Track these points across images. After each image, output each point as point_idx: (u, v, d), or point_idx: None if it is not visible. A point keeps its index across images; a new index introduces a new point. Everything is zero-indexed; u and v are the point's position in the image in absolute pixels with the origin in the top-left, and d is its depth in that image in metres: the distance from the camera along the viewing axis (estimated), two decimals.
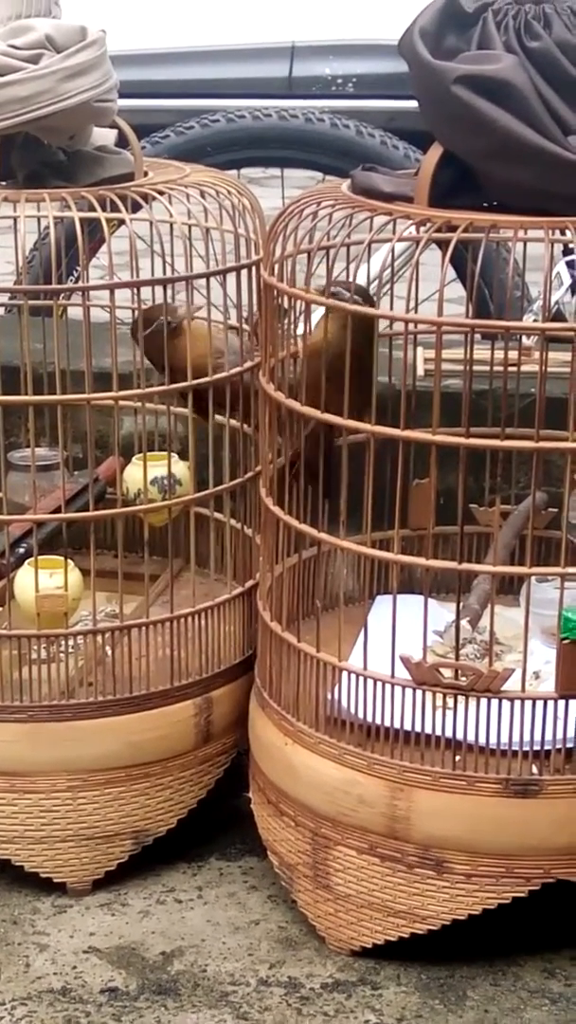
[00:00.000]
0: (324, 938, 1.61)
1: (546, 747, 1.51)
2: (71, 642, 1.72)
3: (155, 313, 1.70)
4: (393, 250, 1.53)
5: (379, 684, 1.53)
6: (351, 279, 1.54)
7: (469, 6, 1.51)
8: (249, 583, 1.77)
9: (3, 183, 1.72)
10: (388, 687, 1.53)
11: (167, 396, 1.69)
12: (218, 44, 3.44)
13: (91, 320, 1.62)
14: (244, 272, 1.72)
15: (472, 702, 1.51)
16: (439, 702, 1.52)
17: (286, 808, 1.61)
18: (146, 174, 1.76)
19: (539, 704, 1.50)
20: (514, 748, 1.51)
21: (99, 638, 1.70)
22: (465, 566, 1.53)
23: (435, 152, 1.52)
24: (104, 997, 1.54)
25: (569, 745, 1.52)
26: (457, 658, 1.52)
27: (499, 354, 1.78)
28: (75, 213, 1.61)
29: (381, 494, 1.53)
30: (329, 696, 1.58)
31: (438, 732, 1.52)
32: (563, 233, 1.48)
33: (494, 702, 1.50)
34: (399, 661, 1.51)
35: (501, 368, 1.74)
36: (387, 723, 1.54)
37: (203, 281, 1.69)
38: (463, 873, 1.52)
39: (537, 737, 1.51)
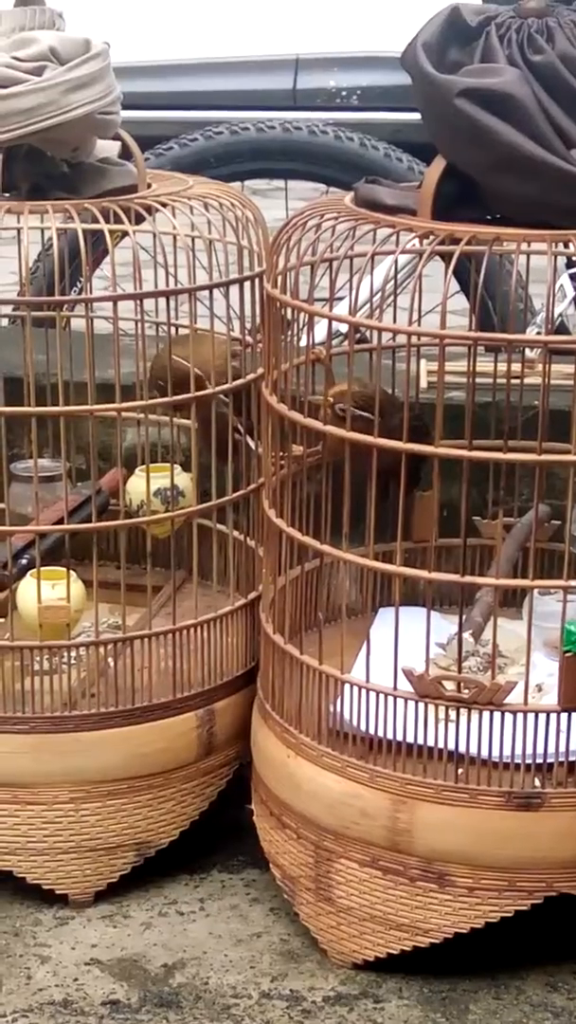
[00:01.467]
0: (326, 951, 1.61)
1: (549, 760, 1.51)
2: (73, 653, 1.72)
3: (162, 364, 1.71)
4: (396, 262, 1.53)
5: (382, 697, 1.53)
6: (354, 291, 1.54)
7: (472, 20, 1.52)
8: (252, 595, 1.77)
9: (6, 195, 1.72)
10: (391, 700, 1.52)
11: (170, 408, 1.69)
12: (222, 56, 3.44)
13: (94, 331, 1.62)
14: (247, 284, 1.72)
15: (475, 715, 1.50)
16: (442, 715, 1.52)
17: (288, 820, 1.61)
18: (149, 186, 1.77)
19: (542, 717, 1.50)
20: (517, 761, 1.50)
21: (101, 649, 1.70)
22: (468, 579, 1.53)
23: (438, 165, 1.52)
24: (105, 1009, 1.54)
25: (572, 758, 1.52)
26: (460, 671, 1.52)
27: (502, 366, 1.78)
28: (78, 225, 1.61)
29: (382, 506, 1.53)
30: (331, 708, 1.58)
31: (441, 745, 1.52)
32: (566, 246, 1.48)
33: (497, 715, 1.50)
34: (402, 674, 1.51)
35: (504, 380, 1.74)
36: (390, 736, 1.53)
37: (206, 293, 1.69)
38: (465, 886, 1.52)
39: (540, 750, 1.50)
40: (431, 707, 1.51)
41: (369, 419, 1.50)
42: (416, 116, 1.57)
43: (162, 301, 1.71)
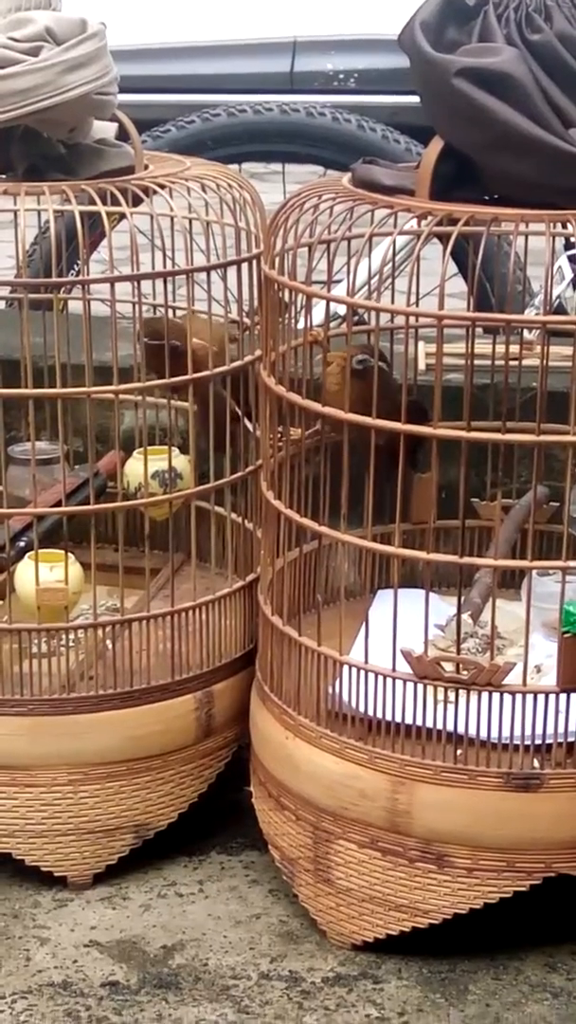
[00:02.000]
0: (325, 932, 1.61)
1: (547, 741, 1.51)
2: (72, 636, 1.72)
3: (157, 327, 1.69)
4: (394, 243, 1.53)
5: (380, 678, 1.53)
6: (352, 273, 1.53)
7: None
8: (250, 577, 1.77)
9: (2, 176, 1.71)
10: (389, 681, 1.52)
11: (168, 390, 1.69)
12: (220, 39, 3.43)
13: (91, 314, 1.62)
14: (245, 266, 1.72)
15: (473, 696, 1.50)
16: (440, 696, 1.52)
17: (287, 802, 1.61)
18: (146, 167, 1.76)
19: (540, 698, 1.50)
20: (515, 742, 1.50)
21: (100, 632, 1.70)
22: (466, 560, 1.53)
23: (436, 145, 1.52)
24: (105, 991, 1.54)
25: (570, 739, 1.52)
26: (458, 652, 1.52)
27: (500, 348, 1.77)
28: (75, 207, 1.60)
29: (382, 488, 1.53)
30: (330, 690, 1.58)
31: (439, 726, 1.52)
32: (564, 226, 1.48)
33: (495, 696, 1.49)
34: (400, 655, 1.51)
35: (502, 362, 1.74)
36: (388, 717, 1.53)
37: (204, 275, 1.69)
38: (464, 867, 1.52)
39: (538, 731, 1.50)
40: (430, 688, 1.51)
41: (384, 369, 1.49)
42: (414, 99, 1.57)
43: (159, 283, 1.70)
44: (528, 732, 1.50)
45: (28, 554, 1.71)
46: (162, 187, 1.69)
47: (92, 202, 1.62)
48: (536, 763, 1.51)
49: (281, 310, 1.61)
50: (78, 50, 1.64)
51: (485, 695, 1.50)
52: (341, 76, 3.31)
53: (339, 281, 1.61)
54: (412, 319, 1.57)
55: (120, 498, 1.75)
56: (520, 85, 1.45)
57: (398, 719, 1.53)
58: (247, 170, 2.73)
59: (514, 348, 1.81)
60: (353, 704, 1.55)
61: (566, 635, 1.48)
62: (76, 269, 2.39)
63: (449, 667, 1.50)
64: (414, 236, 1.59)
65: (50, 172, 1.69)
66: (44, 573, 1.67)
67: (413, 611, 1.51)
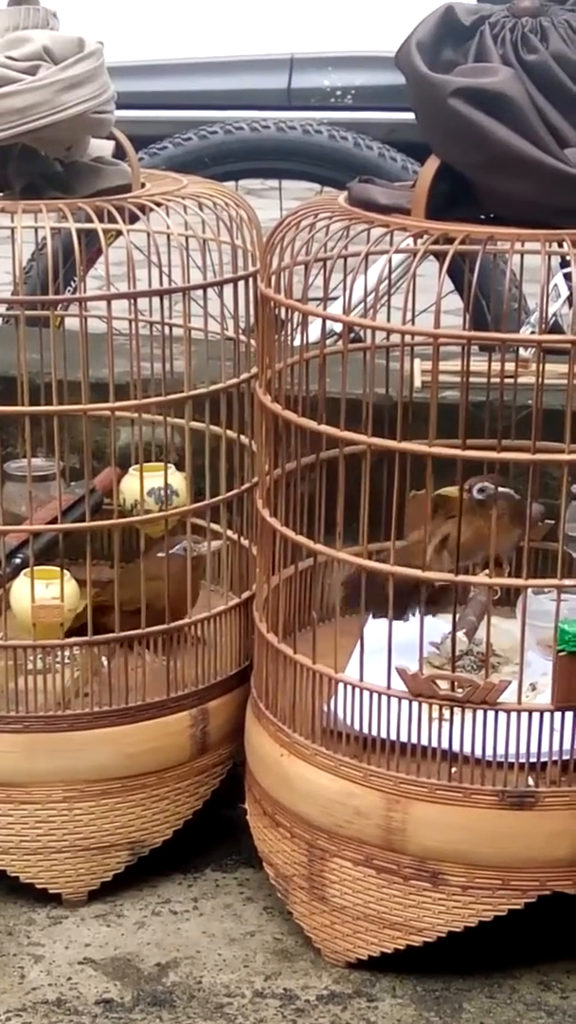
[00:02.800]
0: (320, 950, 1.61)
1: (542, 759, 1.51)
2: (67, 653, 1.72)
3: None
4: (391, 261, 1.53)
5: (375, 696, 1.53)
6: (348, 290, 1.53)
7: (466, 19, 1.52)
8: (245, 594, 1.77)
9: (0, 194, 1.72)
10: (384, 699, 1.52)
11: (164, 407, 1.69)
12: (217, 56, 3.44)
13: (88, 331, 1.62)
14: (241, 283, 1.72)
15: (468, 714, 1.51)
16: (435, 714, 1.52)
17: (282, 819, 1.61)
18: (143, 185, 1.76)
19: (535, 716, 1.50)
20: (510, 760, 1.51)
21: (95, 649, 1.70)
22: (462, 578, 1.53)
23: (432, 164, 1.52)
24: (99, 1008, 1.54)
25: (565, 757, 1.52)
26: (453, 670, 1.52)
27: (496, 366, 1.78)
28: (72, 224, 1.61)
29: (377, 505, 1.53)
30: (325, 708, 1.58)
31: (434, 744, 1.52)
32: (560, 245, 1.48)
33: (490, 714, 1.50)
34: (395, 673, 1.51)
35: (498, 380, 1.74)
36: (383, 735, 1.53)
37: (200, 292, 1.69)
38: (459, 885, 1.52)
39: (533, 749, 1.50)
40: (425, 706, 1.51)
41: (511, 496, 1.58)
42: (410, 116, 1.57)
43: (156, 300, 1.71)
44: (523, 750, 1.50)
45: (23, 571, 1.71)
46: (159, 205, 1.69)
47: (89, 220, 1.62)
48: (531, 781, 1.51)
49: (277, 328, 1.62)
50: (75, 69, 1.64)
51: (480, 713, 1.50)
52: (338, 93, 3.32)
53: (335, 298, 1.61)
54: (408, 337, 1.57)
55: (116, 515, 1.75)
56: (516, 105, 1.46)
57: (393, 737, 1.53)
58: (244, 186, 2.74)
59: (510, 366, 1.82)
60: (348, 722, 1.56)
61: (561, 653, 1.48)
62: (73, 286, 2.39)
63: (444, 685, 1.51)
64: (410, 254, 1.59)
65: (47, 190, 1.70)
66: (40, 590, 1.67)
67: (408, 628, 1.51)
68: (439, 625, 1.65)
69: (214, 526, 1.76)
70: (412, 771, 1.52)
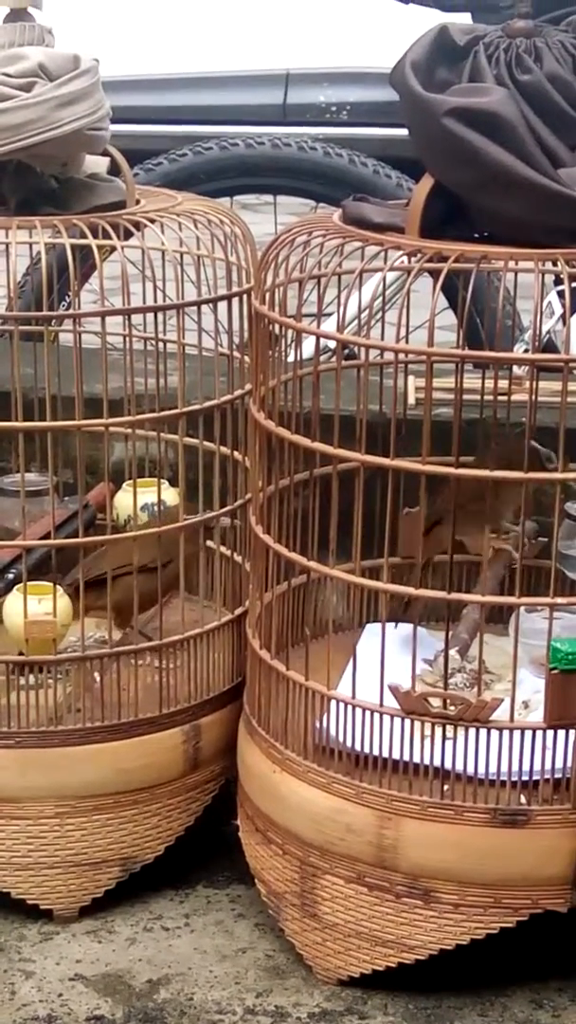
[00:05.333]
0: (311, 967, 1.61)
1: (535, 777, 1.51)
2: (59, 668, 1.72)
3: None
4: (384, 280, 1.53)
5: (368, 713, 1.53)
6: (342, 307, 1.54)
7: (460, 39, 1.52)
8: (238, 610, 1.77)
9: None
10: (377, 716, 1.52)
11: (158, 423, 1.70)
12: (213, 71, 3.45)
13: (82, 346, 1.62)
14: (235, 300, 1.72)
15: (461, 732, 1.51)
16: (428, 731, 1.52)
17: (274, 836, 1.61)
18: (138, 202, 1.77)
19: (528, 734, 1.50)
20: (503, 778, 1.51)
21: (88, 664, 1.70)
22: (455, 595, 1.53)
23: (426, 183, 1.52)
24: None
25: (558, 775, 1.52)
26: (446, 687, 1.52)
27: (490, 383, 1.78)
28: (67, 240, 1.61)
29: (371, 523, 1.53)
30: (318, 725, 1.58)
31: (427, 761, 1.52)
32: (553, 264, 1.49)
33: (483, 732, 1.50)
34: (388, 690, 1.51)
35: (492, 397, 1.74)
36: (376, 752, 1.53)
37: (194, 308, 1.69)
38: (451, 903, 1.52)
39: (526, 767, 1.50)
40: (417, 724, 1.51)
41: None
42: (405, 132, 1.58)
43: (150, 316, 1.71)
44: (515, 768, 1.50)
45: (16, 586, 1.71)
46: (153, 221, 1.69)
47: (83, 236, 1.63)
48: (523, 799, 1.51)
49: (271, 344, 1.62)
50: (71, 86, 1.65)
51: (472, 731, 1.50)
52: (333, 108, 3.33)
53: (329, 315, 1.61)
54: (401, 355, 1.57)
55: (109, 530, 1.75)
56: (510, 125, 1.46)
57: (385, 754, 1.53)
58: (239, 201, 2.74)
59: (503, 383, 1.82)
60: (340, 739, 1.56)
61: (554, 671, 1.48)
62: (67, 302, 2.39)
63: (437, 702, 1.51)
64: (404, 272, 1.59)
65: (42, 206, 1.70)
66: (32, 605, 1.67)
67: (401, 646, 1.51)
68: (432, 642, 1.65)
69: (207, 542, 1.76)
70: (404, 788, 1.52)
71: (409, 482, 1.54)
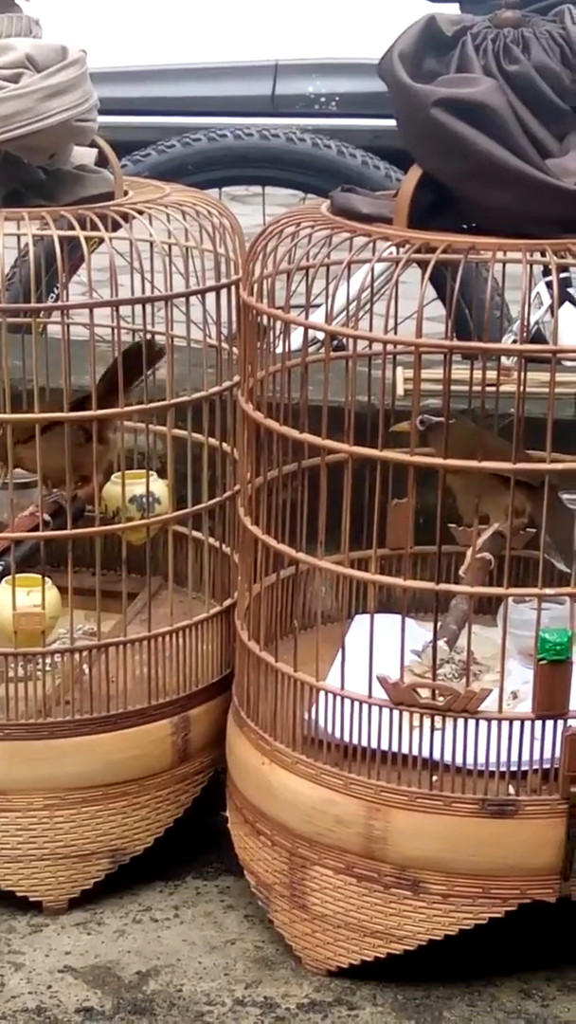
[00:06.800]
0: (300, 958, 1.61)
1: (523, 767, 1.51)
2: (48, 660, 1.72)
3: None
4: (372, 271, 1.53)
5: (356, 704, 1.53)
6: (331, 298, 1.53)
7: (448, 29, 1.52)
8: (227, 602, 1.77)
9: None
10: (365, 707, 1.53)
11: (146, 414, 1.69)
12: (201, 62, 3.45)
13: (71, 338, 1.62)
14: (224, 291, 1.72)
15: (449, 722, 1.51)
16: (416, 722, 1.52)
17: (263, 827, 1.61)
18: (126, 193, 1.76)
19: (516, 724, 1.50)
20: (491, 768, 1.51)
21: (76, 656, 1.70)
22: (443, 586, 1.53)
23: (414, 174, 1.52)
24: (79, 1017, 1.54)
25: (546, 766, 1.52)
26: (434, 678, 1.52)
27: (478, 374, 1.78)
28: (54, 232, 1.61)
29: (359, 514, 1.53)
30: (306, 716, 1.58)
31: (415, 752, 1.52)
32: (542, 255, 1.49)
33: (471, 722, 1.50)
34: (376, 681, 1.51)
35: (480, 388, 1.74)
36: (364, 743, 1.53)
37: (183, 300, 1.69)
38: (440, 893, 1.52)
39: (514, 757, 1.51)
40: (406, 714, 1.51)
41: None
42: (394, 123, 1.57)
43: (139, 308, 1.71)
44: (504, 759, 1.51)
45: (5, 578, 1.71)
46: (141, 213, 1.69)
47: (71, 227, 1.62)
48: (512, 790, 1.52)
49: (259, 336, 1.62)
50: (58, 77, 1.64)
51: (461, 721, 1.50)
52: (322, 99, 3.33)
53: (318, 306, 1.61)
54: (390, 346, 1.57)
55: (98, 522, 1.75)
56: (498, 115, 1.46)
57: (374, 745, 1.53)
58: (227, 192, 2.74)
59: (492, 374, 1.82)
60: (329, 730, 1.56)
61: (542, 662, 1.49)
62: (55, 294, 2.39)
63: (425, 693, 1.51)
64: (392, 263, 1.59)
65: (30, 198, 1.69)
66: (21, 597, 1.67)
67: (390, 637, 1.51)
68: (420, 633, 1.65)
69: (196, 534, 1.76)
70: (393, 779, 1.52)
71: (398, 473, 1.54)
